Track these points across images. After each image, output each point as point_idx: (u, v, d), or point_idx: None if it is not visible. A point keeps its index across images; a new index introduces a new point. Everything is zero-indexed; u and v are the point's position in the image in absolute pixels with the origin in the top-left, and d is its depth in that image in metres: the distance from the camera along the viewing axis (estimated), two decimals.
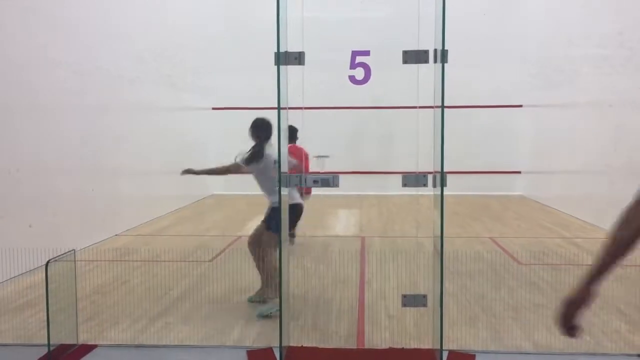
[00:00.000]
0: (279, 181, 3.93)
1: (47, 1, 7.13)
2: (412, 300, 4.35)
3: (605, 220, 9.14)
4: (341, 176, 4.07)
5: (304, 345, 4.36)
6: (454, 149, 12.05)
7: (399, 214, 10.93)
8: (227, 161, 5.55)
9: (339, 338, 4.57)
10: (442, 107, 3.77)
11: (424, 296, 4.31)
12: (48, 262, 4.00)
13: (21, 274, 6.10)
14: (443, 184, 3.86)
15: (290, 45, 3.89)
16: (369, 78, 4.13)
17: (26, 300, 5.50)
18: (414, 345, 4.38)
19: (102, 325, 4.84)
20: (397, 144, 12.91)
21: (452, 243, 6.85)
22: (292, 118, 4.15)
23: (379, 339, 4.53)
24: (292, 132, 7.79)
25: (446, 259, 3.89)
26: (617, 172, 8.82)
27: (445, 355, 4.05)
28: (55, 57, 7.20)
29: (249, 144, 5.49)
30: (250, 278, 5.90)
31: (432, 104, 3.96)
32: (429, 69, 3.94)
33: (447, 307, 4.42)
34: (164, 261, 7.03)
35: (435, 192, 3.95)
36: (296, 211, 5.39)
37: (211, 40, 13.61)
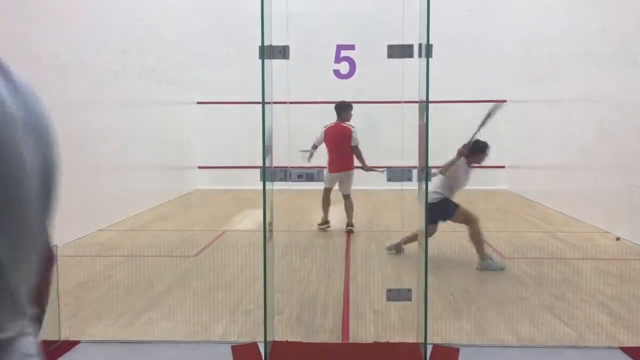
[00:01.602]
0: (263, 176, 3.91)
1: None
2: (397, 295, 4.37)
3: (588, 215, 9.26)
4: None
5: (289, 340, 4.36)
6: (439, 144, 12.09)
7: (383, 208, 10.96)
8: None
9: (324, 332, 4.57)
10: (427, 101, 3.77)
11: (409, 290, 4.33)
12: None
13: None
14: (428, 179, 3.87)
15: (275, 39, 3.87)
16: (354, 72, 4.13)
17: None
18: (398, 339, 4.40)
19: (85, 321, 4.79)
20: (382, 138, 12.92)
21: (436, 237, 6.89)
22: (276, 112, 4.14)
23: (363, 333, 4.54)
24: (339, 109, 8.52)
25: (430, 253, 3.90)
26: (600, 168, 8.91)
27: (429, 349, 4.07)
28: (36, 50, 7.10)
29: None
30: (234, 272, 5.89)
31: (416, 99, 3.96)
32: (413, 64, 3.94)
33: (432, 301, 4.44)
34: (148, 256, 6.99)
35: (420, 187, 3.96)
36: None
37: (195, 34, 13.52)
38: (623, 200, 8.06)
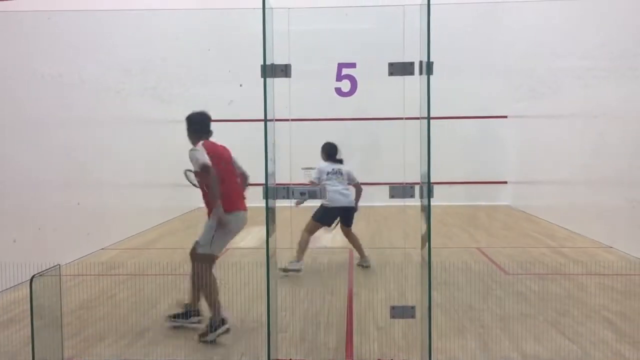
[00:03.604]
0: (266, 194, 3.91)
1: (31, 13, 7.10)
2: (401, 312, 4.34)
3: (590, 230, 9.23)
4: None
5: (293, 358, 4.33)
6: (441, 160, 12.16)
7: (386, 225, 10.94)
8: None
9: (328, 350, 4.55)
10: (428, 118, 3.78)
11: (412, 307, 4.31)
12: (32, 277, 3.95)
13: (5, 290, 6.01)
14: (430, 195, 3.87)
15: (277, 57, 3.90)
16: (355, 90, 4.14)
17: (10, 317, 5.42)
18: (402, 356, 4.37)
19: (88, 341, 4.78)
20: (384, 155, 12.95)
21: (440, 254, 6.87)
22: (278, 129, 4.15)
23: (367, 350, 4.52)
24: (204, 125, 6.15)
25: (434, 269, 3.89)
26: (601, 182, 8.90)
27: None
28: (40, 69, 7.15)
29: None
30: (237, 290, 5.86)
31: (418, 115, 3.97)
32: (414, 81, 3.96)
33: (436, 318, 4.41)
34: (151, 275, 6.97)
35: (423, 203, 3.95)
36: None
37: (197, 52, 13.60)
38: (625, 215, 8.04)
